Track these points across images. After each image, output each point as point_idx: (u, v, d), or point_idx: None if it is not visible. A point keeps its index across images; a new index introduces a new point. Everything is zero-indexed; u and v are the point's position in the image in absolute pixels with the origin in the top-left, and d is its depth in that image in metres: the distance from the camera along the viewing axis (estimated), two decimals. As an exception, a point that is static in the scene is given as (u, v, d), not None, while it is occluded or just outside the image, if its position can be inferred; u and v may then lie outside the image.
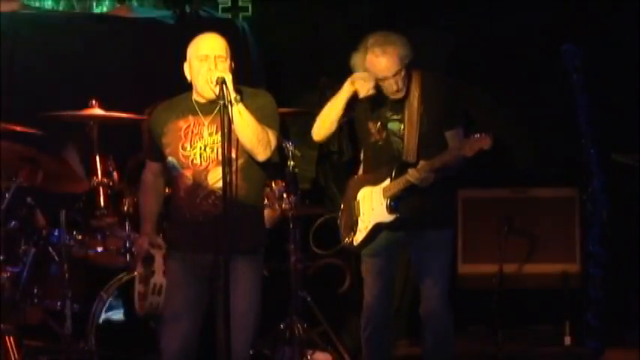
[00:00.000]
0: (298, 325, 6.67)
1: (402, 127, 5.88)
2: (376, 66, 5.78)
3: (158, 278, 5.23)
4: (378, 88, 5.89)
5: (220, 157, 5.07)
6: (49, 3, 8.40)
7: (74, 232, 6.51)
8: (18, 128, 6.42)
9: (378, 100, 5.94)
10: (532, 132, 7.96)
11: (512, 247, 7.34)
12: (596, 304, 6.64)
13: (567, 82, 6.61)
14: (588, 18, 7.75)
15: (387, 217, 5.91)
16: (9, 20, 7.84)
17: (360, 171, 6.20)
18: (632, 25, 7.71)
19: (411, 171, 5.78)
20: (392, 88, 5.81)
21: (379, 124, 5.94)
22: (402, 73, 5.80)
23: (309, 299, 6.95)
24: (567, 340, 7.45)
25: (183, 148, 5.23)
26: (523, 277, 7.51)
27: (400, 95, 5.85)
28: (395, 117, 5.91)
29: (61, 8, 8.41)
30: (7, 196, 6.17)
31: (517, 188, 7.66)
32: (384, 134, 5.94)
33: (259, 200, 5.42)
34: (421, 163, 5.78)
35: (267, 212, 6.55)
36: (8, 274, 6.28)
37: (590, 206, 6.67)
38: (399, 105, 5.90)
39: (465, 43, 8.05)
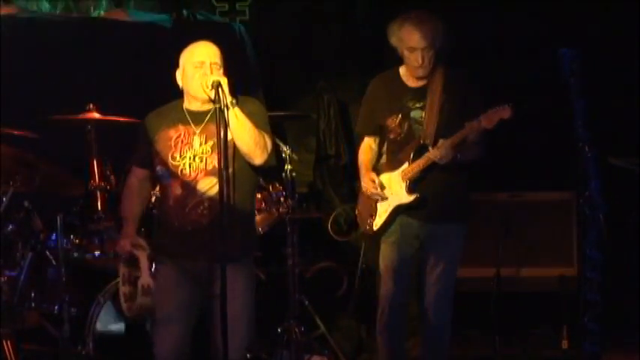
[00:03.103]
0: (296, 328, 6.64)
1: (424, 113, 5.97)
2: (410, 35, 5.87)
3: (145, 279, 5.23)
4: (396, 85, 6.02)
5: (209, 168, 5.15)
6: (47, 6, 8.41)
7: (72, 236, 6.49)
8: (15, 132, 6.39)
9: (397, 94, 6.03)
10: (529, 135, 7.97)
11: (510, 250, 7.37)
12: (594, 307, 6.63)
13: (564, 85, 6.61)
14: (586, 21, 7.76)
15: (406, 198, 5.96)
16: (6, 23, 7.83)
17: (382, 161, 6.23)
18: (630, 28, 7.72)
19: (431, 149, 5.85)
20: (417, 61, 5.89)
21: (400, 116, 6.01)
22: (431, 53, 5.89)
23: (306, 303, 6.95)
24: (564, 343, 7.46)
25: (173, 158, 5.25)
26: (520, 281, 7.54)
27: (423, 73, 5.93)
28: (417, 105, 6.00)
29: (58, 11, 8.43)
30: (4, 200, 6.16)
31: (514, 192, 7.69)
32: (406, 125, 6.00)
33: (250, 208, 5.42)
34: (441, 141, 5.85)
35: (264, 216, 6.62)
36: (5, 278, 6.24)
37: (587, 210, 6.67)
38: (421, 93, 5.99)
39: (462, 46, 8.03)
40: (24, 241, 6.41)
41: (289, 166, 6.84)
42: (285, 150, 6.88)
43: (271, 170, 5.59)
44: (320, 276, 7.55)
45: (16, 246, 6.40)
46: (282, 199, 6.75)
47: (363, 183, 6.12)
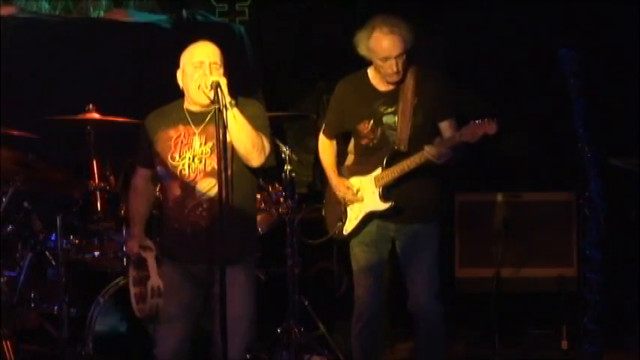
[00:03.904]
0: (295, 329, 6.63)
1: (397, 118, 5.86)
2: (382, 44, 5.75)
3: (154, 280, 5.25)
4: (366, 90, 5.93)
5: (208, 169, 5.15)
6: (46, 7, 8.40)
7: (71, 236, 6.47)
8: (15, 132, 6.39)
9: (367, 98, 5.93)
10: (529, 136, 7.96)
11: (509, 250, 7.38)
12: (593, 307, 6.62)
13: (564, 86, 6.60)
14: (586, 22, 7.74)
15: (380, 206, 5.88)
16: (6, 24, 7.83)
17: (348, 162, 6.17)
18: (631, 29, 7.70)
19: (427, 147, 5.72)
20: (391, 68, 5.77)
21: (372, 122, 5.91)
22: (404, 57, 5.77)
23: (306, 303, 6.93)
24: (564, 344, 7.43)
25: (172, 159, 5.24)
26: (520, 281, 7.51)
27: (397, 78, 5.82)
28: (389, 110, 5.89)
29: (57, 12, 8.42)
30: (3, 200, 6.16)
31: (514, 192, 7.65)
32: (379, 131, 5.91)
33: (250, 209, 5.41)
34: (437, 139, 5.76)
35: (263, 216, 6.60)
36: (5, 279, 6.26)
37: (587, 210, 6.65)
38: (392, 97, 5.88)
39: (461, 47, 8.07)
40: (23, 242, 6.43)
41: (289, 167, 6.79)
42: (285, 150, 6.85)
43: (271, 170, 5.58)
44: (320, 276, 7.53)
45: (15, 246, 6.42)
46: (281, 199, 6.72)
47: (337, 190, 6.04)
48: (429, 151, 5.71)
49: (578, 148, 6.54)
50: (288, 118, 7.65)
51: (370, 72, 5.96)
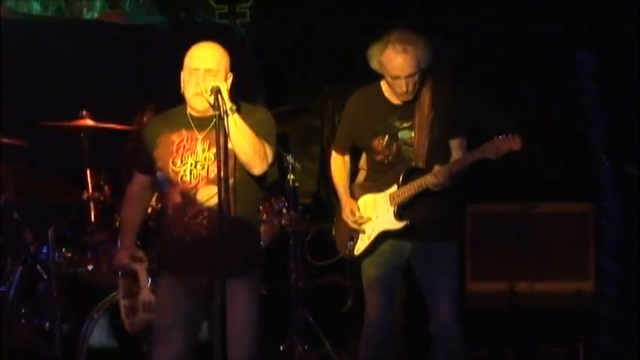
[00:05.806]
0: (299, 346, 6.63)
1: (413, 133, 5.79)
2: (393, 62, 5.67)
3: (145, 295, 5.34)
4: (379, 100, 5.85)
5: (211, 176, 5.06)
6: (38, 8, 8.34)
7: (63, 249, 6.40)
8: (7, 141, 6.33)
9: (381, 113, 5.85)
10: (544, 145, 7.87)
11: (524, 264, 7.25)
12: (612, 324, 6.52)
13: (580, 90, 6.49)
14: (602, 24, 7.65)
15: (395, 225, 5.81)
16: (-4, 26, 7.80)
17: (360, 178, 6.09)
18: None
19: (428, 176, 5.67)
20: (401, 88, 5.70)
21: (387, 137, 5.81)
22: (416, 77, 5.69)
23: (310, 319, 6.87)
24: (581, 363, 7.39)
25: (174, 164, 5.15)
26: (535, 296, 7.34)
27: (407, 98, 5.74)
28: (405, 125, 5.81)
29: (49, 13, 8.36)
30: (-7, 211, 6.17)
31: (528, 203, 7.50)
32: (394, 147, 5.81)
33: (253, 220, 5.31)
34: (436, 167, 5.69)
35: (265, 228, 6.51)
36: (-5, 293, 6.26)
37: (605, 221, 6.56)
38: (408, 111, 5.80)
39: (473, 53, 7.99)
40: (14, 255, 6.42)
41: (292, 176, 6.76)
42: (288, 159, 6.81)
43: (271, 185, 5.46)
44: (324, 291, 7.51)
45: (5, 260, 6.38)
46: (284, 210, 6.68)
47: (343, 211, 5.95)
48: (428, 180, 5.66)
49: (595, 157, 6.42)
50: (292, 114, 7.62)
51: (384, 85, 5.87)
